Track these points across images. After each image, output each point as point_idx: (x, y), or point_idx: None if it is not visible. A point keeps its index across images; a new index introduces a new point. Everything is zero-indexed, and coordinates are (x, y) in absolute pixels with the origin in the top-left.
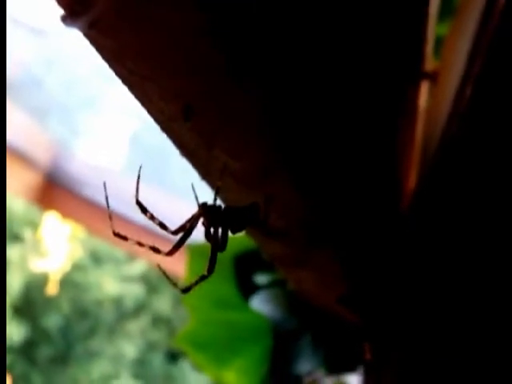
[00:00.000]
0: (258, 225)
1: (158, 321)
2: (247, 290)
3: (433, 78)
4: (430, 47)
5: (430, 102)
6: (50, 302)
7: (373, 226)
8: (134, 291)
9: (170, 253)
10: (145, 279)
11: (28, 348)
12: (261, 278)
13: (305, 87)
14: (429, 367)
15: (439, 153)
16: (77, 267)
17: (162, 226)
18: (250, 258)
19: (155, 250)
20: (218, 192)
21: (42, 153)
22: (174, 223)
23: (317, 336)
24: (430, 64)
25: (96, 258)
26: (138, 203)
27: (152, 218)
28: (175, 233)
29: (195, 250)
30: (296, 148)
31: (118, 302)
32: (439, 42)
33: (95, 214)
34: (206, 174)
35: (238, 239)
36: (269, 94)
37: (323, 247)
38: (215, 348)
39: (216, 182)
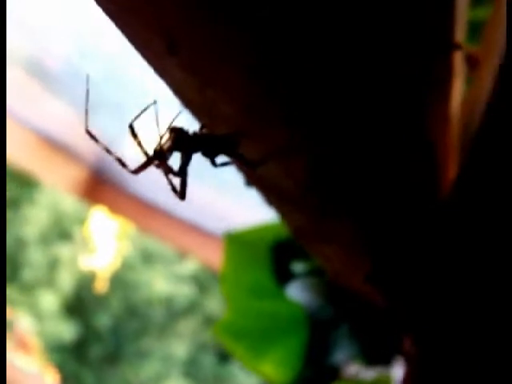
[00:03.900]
0: (235, 155)
1: (208, 321)
2: (284, 278)
3: (470, 61)
4: (461, 17)
5: (470, 89)
6: (101, 301)
7: (406, 210)
8: (184, 291)
9: (136, 171)
10: (196, 279)
11: (79, 347)
12: (298, 267)
13: (325, 51)
14: (472, 356)
15: (479, 140)
16: (127, 265)
17: (120, 161)
18: (287, 246)
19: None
20: (202, 128)
21: (90, 148)
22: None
23: (354, 326)
24: (460, 35)
25: (146, 257)
26: (88, 132)
27: (108, 151)
28: (135, 172)
29: (232, 238)
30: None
31: (168, 301)
32: (480, 27)
33: (144, 211)
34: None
35: (275, 228)
36: (271, 41)
37: (341, 219)
38: (252, 338)
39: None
